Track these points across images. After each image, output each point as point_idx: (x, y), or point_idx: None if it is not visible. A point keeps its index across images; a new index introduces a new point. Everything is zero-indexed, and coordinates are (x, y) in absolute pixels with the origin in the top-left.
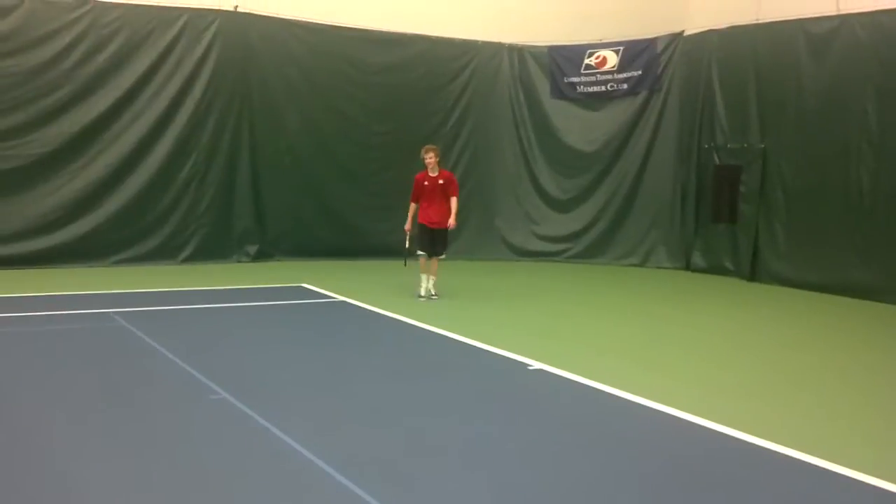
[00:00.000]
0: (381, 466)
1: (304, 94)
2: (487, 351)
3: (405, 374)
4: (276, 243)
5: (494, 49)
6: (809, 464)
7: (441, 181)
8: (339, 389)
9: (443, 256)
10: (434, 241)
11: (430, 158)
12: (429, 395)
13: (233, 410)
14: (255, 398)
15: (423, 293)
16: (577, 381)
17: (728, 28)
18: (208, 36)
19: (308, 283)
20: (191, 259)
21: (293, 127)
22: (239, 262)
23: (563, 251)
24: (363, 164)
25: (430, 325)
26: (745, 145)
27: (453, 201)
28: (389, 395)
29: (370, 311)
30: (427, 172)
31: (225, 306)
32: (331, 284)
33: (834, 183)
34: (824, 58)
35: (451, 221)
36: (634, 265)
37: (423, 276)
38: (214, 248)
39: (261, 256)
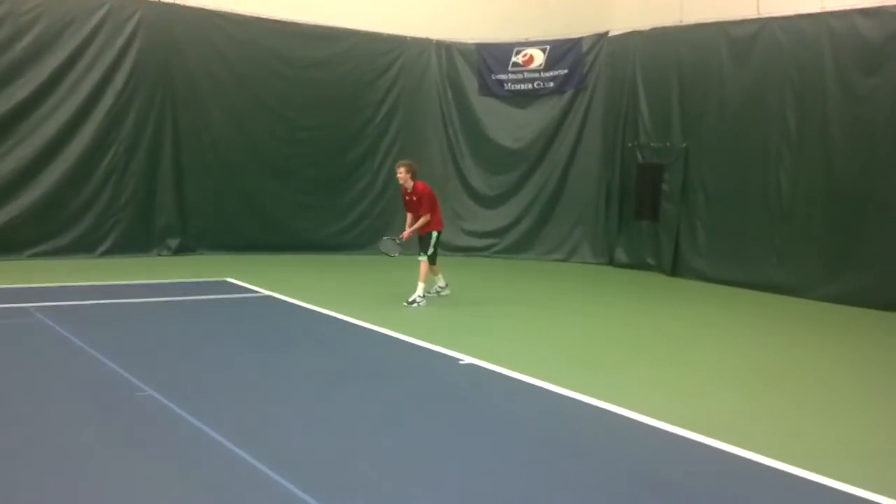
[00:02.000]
0: (317, 467)
1: (229, 87)
2: (415, 345)
3: (333, 372)
4: (198, 237)
5: (423, 45)
6: (730, 454)
7: (414, 197)
8: (270, 389)
9: (422, 257)
10: (420, 246)
11: (399, 173)
12: (359, 393)
13: (159, 407)
14: (182, 395)
15: (430, 291)
16: (507, 376)
17: (651, 29)
18: (130, 26)
19: (232, 278)
20: (109, 252)
21: (218, 121)
22: (160, 255)
23: (490, 246)
24: (289, 159)
25: (356, 318)
26: (668, 144)
27: (423, 218)
28: (316, 395)
29: (298, 306)
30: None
31: (147, 301)
32: (256, 279)
33: (753, 183)
34: (745, 61)
35: (405, 234)
36: (560, 260)
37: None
38: (134, 242)
39: (182, 250)
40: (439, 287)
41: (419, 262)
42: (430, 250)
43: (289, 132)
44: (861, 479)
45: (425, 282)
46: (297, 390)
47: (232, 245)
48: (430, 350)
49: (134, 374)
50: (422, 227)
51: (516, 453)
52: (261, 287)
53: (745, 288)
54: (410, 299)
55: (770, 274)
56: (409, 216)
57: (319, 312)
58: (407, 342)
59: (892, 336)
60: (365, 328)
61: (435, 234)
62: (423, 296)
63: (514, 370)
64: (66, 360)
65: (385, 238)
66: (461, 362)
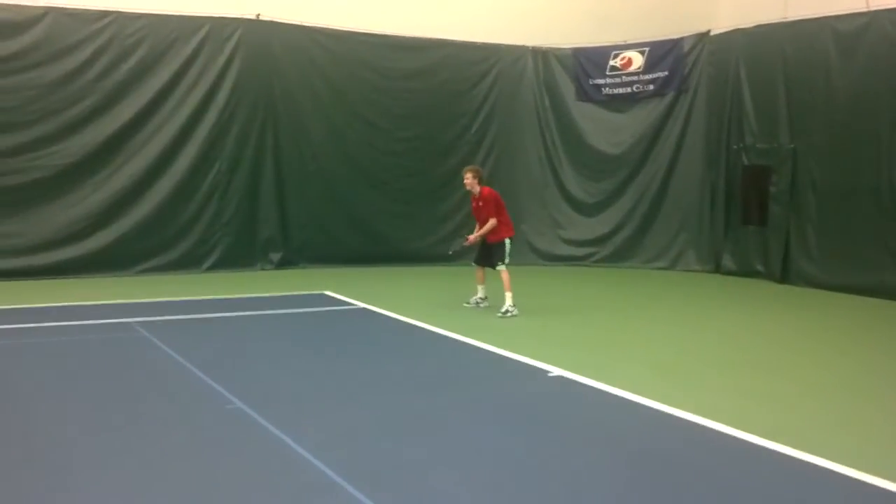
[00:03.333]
0: (397, 479)
1: (327, 101)
2: (504, 356)
3: (425, 384)
4: (300, 251)
5: (518, 52)
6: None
7: (480, 202)
8: (356, 400)
9: (500, 266)
10: (483, 255)
11: (466, 179)
12: (448, 405)
13: (247, 420)
14: (270, 408)
15: (470, 301)
16: (597, 388)
17: (755, 27)
18: (231, 44)
19: (330, 291)
20: (215, 267)
21: (317, 134)
22: (263, 269)
23: (591, 255)
24: (387, 170)
25: (452, 332)
26: (775, 145)
27: (490, 222)
28: (409, 406)
29: (391, 318)
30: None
31: (245, 314)
32: (353, 291)
33: (865, 183)
34: (853, 55)
35: (471, 237)
36: (663, 268)
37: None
38: (238, 257)
39: (285, 264)
40: (479, 298)
41: (499, 272)
42: (507, 258)
43: (386, 143)
44: None
45: (511, 289)
46: (383, 400)
47: (332, 258)
48: (519, 361)
49: (225, 386)
50: (491, 234)
51: (604, 468)
52: (357, 300)
53: (859, 294)
54: (503, 310)
55: (885, 278)
56: (478, 225)
57: (411, 324)
58: (495, 353)
59: None
60: (453, 339)
61: (507, 240)
62: (514, 304)
63: (603, 382)
64: (161, 372)
65: (459, 238)
66: (550, 374)
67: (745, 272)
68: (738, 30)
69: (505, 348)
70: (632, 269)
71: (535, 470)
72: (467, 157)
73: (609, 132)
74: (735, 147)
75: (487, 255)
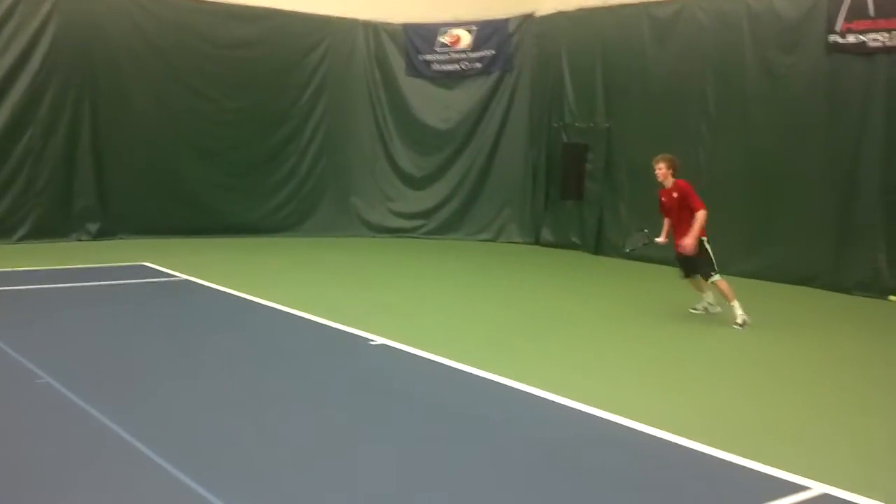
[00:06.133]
0: (213, 454)
1: (152, 68)
2: (331, 327)
3: (247, 356)
4: (119, 221)
5: (349, 25)
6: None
7: (675, 194)
8: (175, 374)
9: (715, 277)
10: (685, 265)
11: (658, 170)
12: (270, 376)
13: (56, 395)
14: (81, 382)
15: (698, 308)
16: (417, 356)
17: (577, 10)
18: (46, 7)
19: (151, 262)
20: (27, 238)
21: (140, 102)
22: (79, 240)
23: (419, 227)
24: (215, 140)
25: (274, 302)
26: (592, 125)
27: (698, 216)
28: (229, 379)
29: (214, 289)
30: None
31: (58, 286)
32: (175, 263)
33: None
34: (667, 41)
35: (688, 240)
36: (488, 240)
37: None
38: (53, 227)
39: (103, 235)
40: (708, 304)
41: (714, 283)
42: (714, 260)
43: (214, 113)
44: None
45: (734, 298)
46: (203, 373)
47: (155, 229)
48: (342, 331)
49: (34, 361)
50: (680, 237)
51: (424, 433)
52: (178, 271)
53: (667, 265)
54: (739, 321)
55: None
56: (667, 221)
57: (233, 295)
58: (321, 323)
59: (778, 307)
60: (278, 310)
61: (704, 240)
62: (743, 313)
63: (425, 350)
64: None
65: (640, 233)
66: (372, 343)
67: (563, 244)
68: (561, 13)
69: (328, 318)
70: (458, 240)
71: (358, 438)
72: (297, 129)
73: (438, 108)
74: (555, 125)
75: (691, 264)
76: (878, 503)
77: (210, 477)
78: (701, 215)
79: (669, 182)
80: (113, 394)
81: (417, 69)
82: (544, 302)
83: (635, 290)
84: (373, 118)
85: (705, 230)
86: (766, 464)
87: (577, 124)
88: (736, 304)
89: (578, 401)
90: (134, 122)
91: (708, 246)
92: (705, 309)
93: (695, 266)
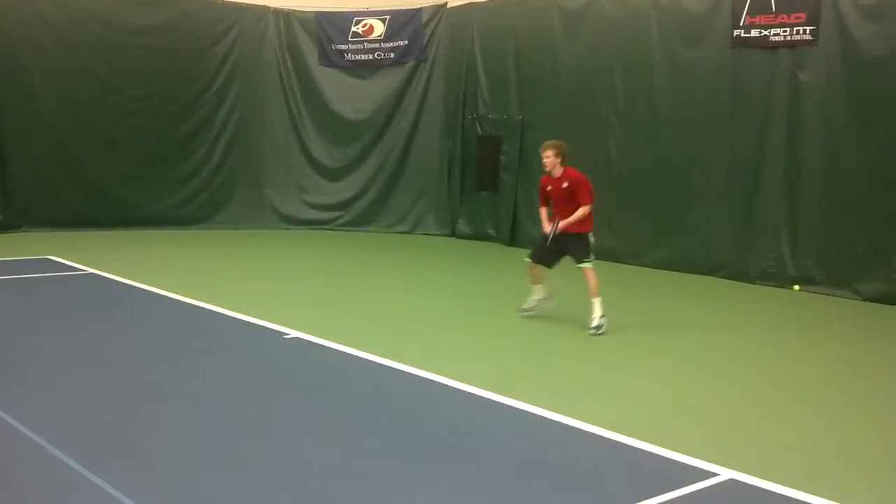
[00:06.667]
0: (124, 454)
1: (52, 55)
2: (243, 321)
3: (157, 352)
4: (23, 214)
5: (259, 12)
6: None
7: (566, 184)
8: (81, 371)
9: (587, 263)
10: (552, 249)
11: (546, 157)
12: (182, 373)
13: None
14: None
15: (525, 308)
16: (332, 349)
17: (489, 1)
18: None
19: (56, 256)
20: None
21: (41, 90)
22: None
23: (335, 219)
24: (121, 130)
25: (184, 296)
26: (505, 116)
27: (582, 210)
28: (139, 376)
29: (122, 283)
30: (549, 175)
31: None
32: (81, 256)
33: (586, 153)
34: (577, 33)
35: (562, 224)
36: (404, 232)
37: (533, 287)
38: None
39: (6, 228)
40: (541, 298)
41: (582, 270)
42: (592, 254)
43: (120, 102)
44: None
45: (599, 294)
46: (110, 371)
47: (60, 222)
48: (255, 325)
49: None
50: (575, 226)
51: (330, 421)
52: (84, 265)
53: None
54: (595, 324)
55: (601, 241)
56: (544, 210)
57: (142, 289)
58: (233, 317)
59: (680, 295)
60: (188, 304)
61: (591, 235)
62: (604, 314)
63: (340, 343)
64: None
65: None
66: (286, 337)
67: (479, 235)
68: (474, 3)
69: (240, 312)
70: (374, 232)
71: (269, 430)
72: (207, 118)
73: (352, 98)
74: (470, 117)
75: (560, 249)
76: (785, 488)
77: (108, 471)
78: (584, 211)
79: (558, 171)
80: (7, 389)
81: (330, 58)
82: (456, 293)
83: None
84: (286, 108)
85: (592, 225)
86: (675, 450)
87: (490, 116)
88: (598, 302)
89: (486, 389)
90: (35, 110)
91: (592, 240)
92: (538, 304)
93: (567, 249)
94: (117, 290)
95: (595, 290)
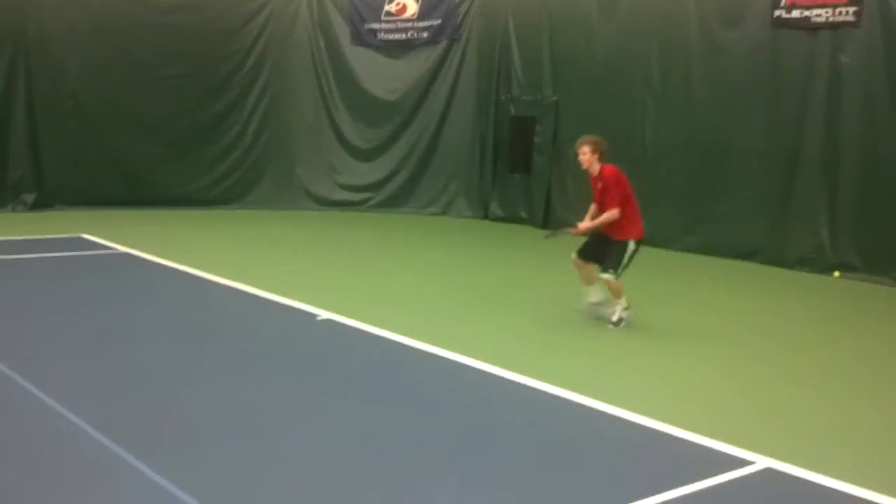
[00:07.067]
0: (156, 432)
1: (86, 34)
2: (275, 301)
3: (189, 332)
4: (56, 193)
5: None
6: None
7: (599, 185)
8: (114, 349)
9: (609, 275)
10: (594, 246)
11: (581, 154)
12: (215, 354)
13: None
14: (16, 358)
15: (582, 307)
16: (364, 331)
17: None
18: None
19: (88, 234)
20: None
21: (75, 71)
22: (14, 211)
23: (366, 200)
24: (153, 109)
25: (217, 275)
26: (539, 98)
27: (609, 214)
28: (172, 355)
29: (153, 262)
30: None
31: None
32: (114, 235)
33: (620, 135)
34: (613, 12)
35: (582, 224)
36: (436, 214)
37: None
38: None
39: (39, 206)
40: (595, 302)
41: (605, 280)
42: (624, 264)
43: (152, 81)
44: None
45: (623, 294)
46: (143, 349)
47: (92, 200)
48: (287, 306)
49: None
50: (611, 229)
51: (356, 405)
52: (117, 243)
53: None
54: (615, 318)
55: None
56: (593, 207)
57: (174, 268)
58: (264, 298)
59: (721, 282)
60: (218, 283)
61: (632, 243)
62: (627, 307)
63: (370, 324)
64: None
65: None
66: (318, 318)
67: (511, 218)
68: None
69: (273, 292)
70: (406, 214)
71: (301, 414)
72: (239, 98)
73: (384, 78)
74: (503, 98)
75: (601, 250)
76: (823, 477)
77: (145, 451)
78: (608, 216)
79: (596, 169)
80: (47, 368)
81: (363, 38)
82: (489, 276)
83: None
84: (317, 88)
85: (634, 230)
86: (712, 438)
87: (524, 97)
88: (623, 301)
89: (518, 372)
90: (70, 90)
91: (631, 250)
92: (591, 308)
93: (603, 254)
94: (150, 270)
95: (615, 294)
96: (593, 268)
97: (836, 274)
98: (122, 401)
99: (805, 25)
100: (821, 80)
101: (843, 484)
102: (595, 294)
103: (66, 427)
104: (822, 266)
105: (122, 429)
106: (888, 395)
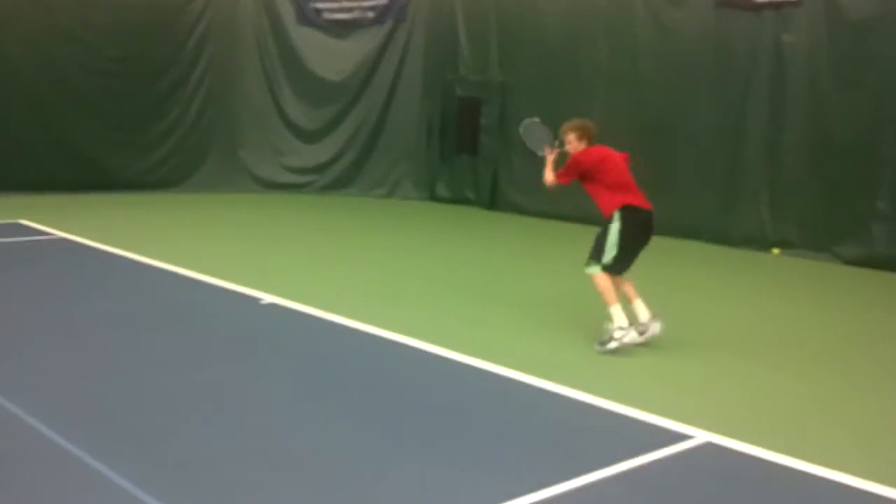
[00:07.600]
0: (102, 423)
1: (27, 14)
2: (218, 287)
3: (132, 319)
4: None
5: None
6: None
7: None
8: (55, 339)
9: (592, 268)
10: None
11: (568, 144)
12: (157, 342)
13: None
14: None
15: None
16: (307, 314)
17: None
18: None
19: (27, 220)
20: None
21: (16, 51)
22: None
23: (312, 182)
24: (96, 90)
25: (159, 261)
26: (486, 78)
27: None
28: (114, 343)
29: (95, 248)
30: None
31: None
32: (54, 220)
33: (568, 117)
34: None
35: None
36: (382, 196)
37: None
38: None
39: None
40: (620, 327)
41: (589, 275)
42: (607, 252)
43: (95, 62)
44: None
45: (616, 301)
46: (85, 339)
47: (33, 184)
48: (230, 290)
49: None
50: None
51: (309, 390)
52: (57, 229)
53: (560, 220)
54: (604, 337)
55: (582, 206)
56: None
57: (116, 254)
58: (207, 283)
59: (668, 260)
60: (161, 269)
61: (616, 220)
62: (623, 327)
63: (315, 307)
64: None
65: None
66: (262, 302)
67: (458, 199)
68: None
69: (216, 276)
70: (352, 196)
71: (248, 400)
72: (181, 78)
73: (330, 58)
74: (450, 78)
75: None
76: (762, 450)
77: (87, 441)
78: (551, 177)
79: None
80: None
81: (308, 17)
82: (435, 258)
83: (531, 244)
84: (261, 68)
85: (608, 209)
86: (653, 413)
87: (471, 77)
88: (616, 309)
89: (466, 354)
90: (9, 70)
91: (615, 231)
92: (641, 332)
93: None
94: (90, 256)
95: (606, 299)
96: (624, 280)
97: (776, 251)
98: (65, 391)
99: (748, 5)
100: (765, 59)
101: (782, 457)
102: (641, 311)
103: (7, 419)
104: (763, 244)
105: (68, 420)
106: (831, 369)
